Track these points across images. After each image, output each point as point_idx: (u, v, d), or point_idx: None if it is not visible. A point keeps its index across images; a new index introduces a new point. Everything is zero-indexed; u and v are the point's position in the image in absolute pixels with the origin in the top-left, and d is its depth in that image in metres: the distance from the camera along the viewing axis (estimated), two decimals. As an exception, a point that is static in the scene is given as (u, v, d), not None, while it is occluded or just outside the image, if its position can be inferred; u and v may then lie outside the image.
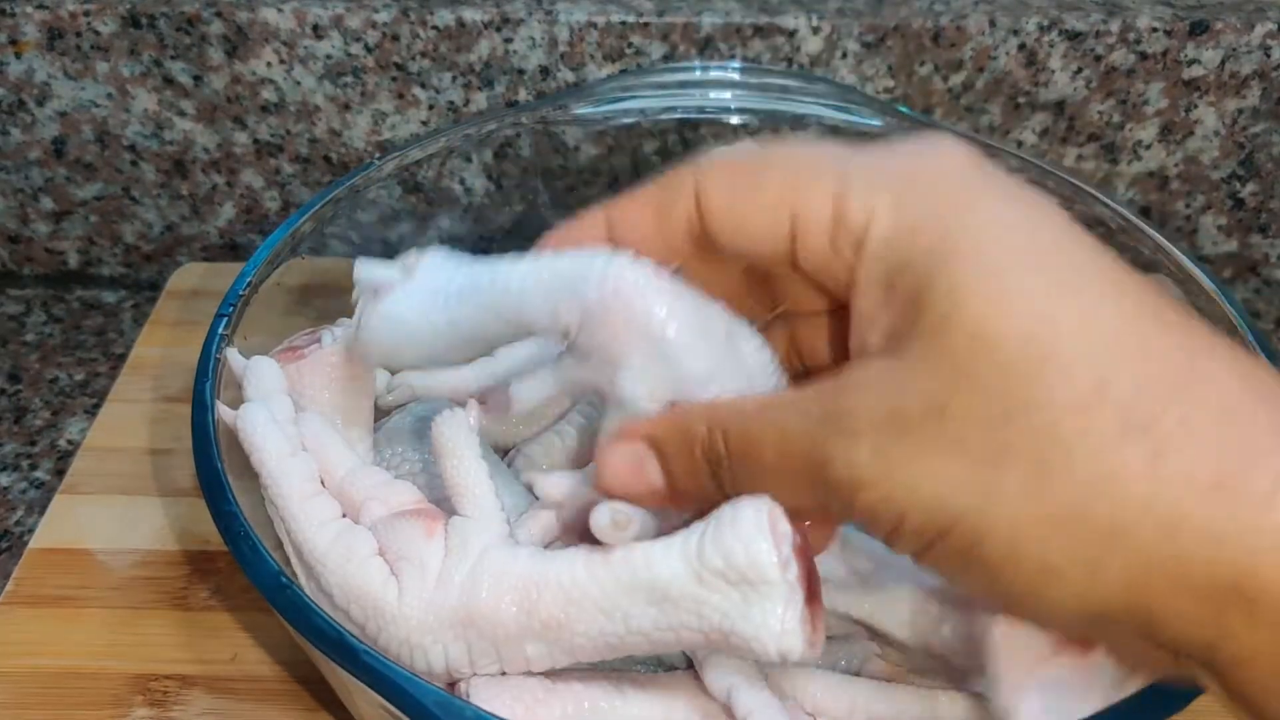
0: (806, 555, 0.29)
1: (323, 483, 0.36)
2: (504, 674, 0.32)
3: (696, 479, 0.28)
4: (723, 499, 0.28)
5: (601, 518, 0.30)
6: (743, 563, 0.28)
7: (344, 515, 0.35)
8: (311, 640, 0.31)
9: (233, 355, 0.39)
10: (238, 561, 0.33)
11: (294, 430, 0.37)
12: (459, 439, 0.34)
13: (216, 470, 0.36)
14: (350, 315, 0.41)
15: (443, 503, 0.38)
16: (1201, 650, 0.23)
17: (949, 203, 0.25)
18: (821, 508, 0.26)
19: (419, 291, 0.33)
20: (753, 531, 0.28)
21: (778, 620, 0.28)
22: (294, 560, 0.35)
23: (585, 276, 0.30)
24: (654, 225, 0.30)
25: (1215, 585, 0.22)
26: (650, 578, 0.29)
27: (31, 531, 0.48)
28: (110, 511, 0.49)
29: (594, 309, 0.29)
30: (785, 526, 0.28)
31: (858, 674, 0.37)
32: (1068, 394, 0.23)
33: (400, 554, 0.33)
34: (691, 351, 0.29)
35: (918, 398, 0.24)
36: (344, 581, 0.33)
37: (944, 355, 0.24)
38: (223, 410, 0.37)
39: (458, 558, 0.32)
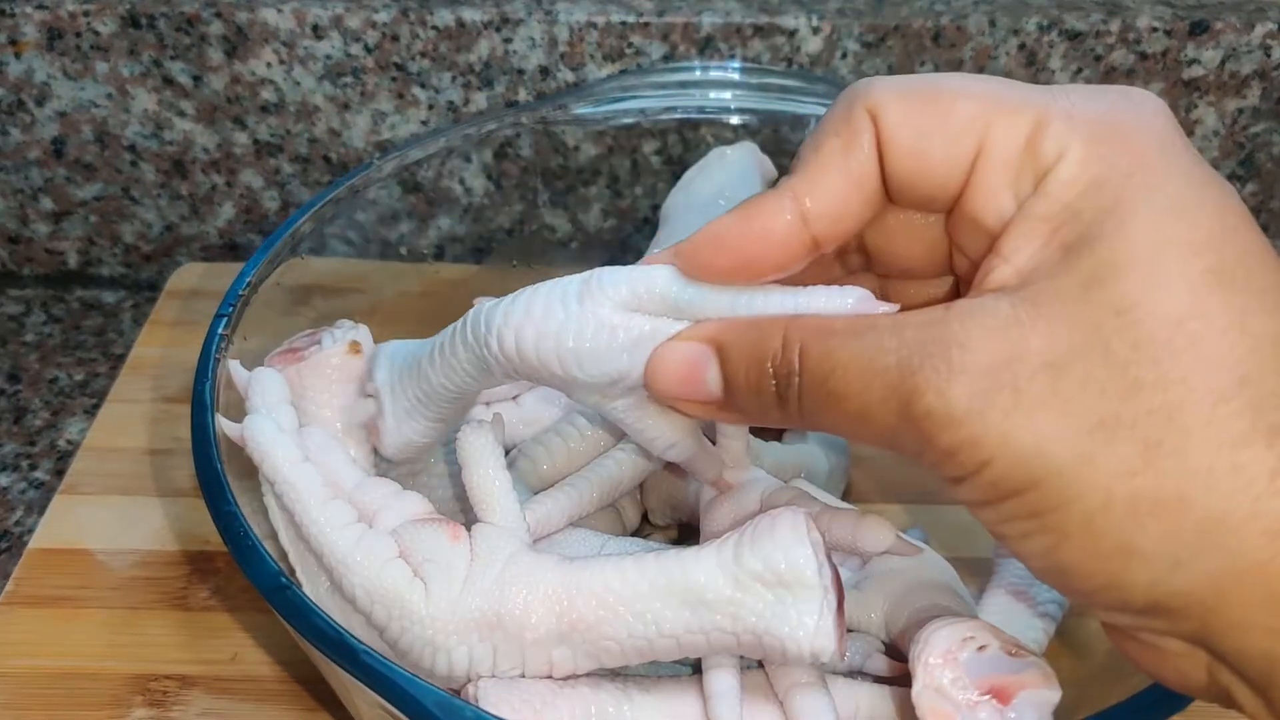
0: (833, 563, 0.30)
1: None
2: (516, 676, 0.33)
3: (759, 395, 0.27)
4: (779, 421, 0.27)
5: None
6: (782, 567, 0.29)
7: (359, 519, 0.35)
8: (311, 640, 0.31)
9: (235, 367, 0.39)
10: (237, 562, 0.33)
11: (300, 439, 0.37)
12: (484, 450, 0.34)
13: (216, 470, 0.36)
14: (350, 317, 0.41)
15: (441, 506, 0.38)
16: (1260, 666, 0.23)
17: (1140, 167, 0.24)
18: (890, 443, 0.25)
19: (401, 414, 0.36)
20: (792, 538, 0.29)
21: (814, 622, 0.29)
22: (303, 567, 0.35)
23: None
24: (843, 189, 0.27)
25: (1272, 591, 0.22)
26: (686, 582, 0.30)
27: (31, 532, 0.48)
28: (110, 512, 0.49)
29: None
30: (816, 534, 0.29)
31: (859, 673, 0.37)
32: (1203, 382, 0.22)
33: (426, 557, 0.33)
34: None
35: (1040, 349, 0.23)
36: (368, 583, 0.33)
37: (1082, 316, 0.23)
38: (226, 425, 0.37)
39: (485, 562, 0.33)
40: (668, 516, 0.45)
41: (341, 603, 0.34)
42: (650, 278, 0.29)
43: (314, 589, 0.35)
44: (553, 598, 0.32)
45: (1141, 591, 0.23)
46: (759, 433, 0.44)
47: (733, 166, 0.50)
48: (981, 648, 0.30)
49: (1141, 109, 0.25)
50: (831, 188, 0.27)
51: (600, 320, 0.29)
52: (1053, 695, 0.30)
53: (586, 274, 0.30)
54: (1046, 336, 0.23)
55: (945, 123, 0.26)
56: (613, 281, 0.30)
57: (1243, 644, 0.23)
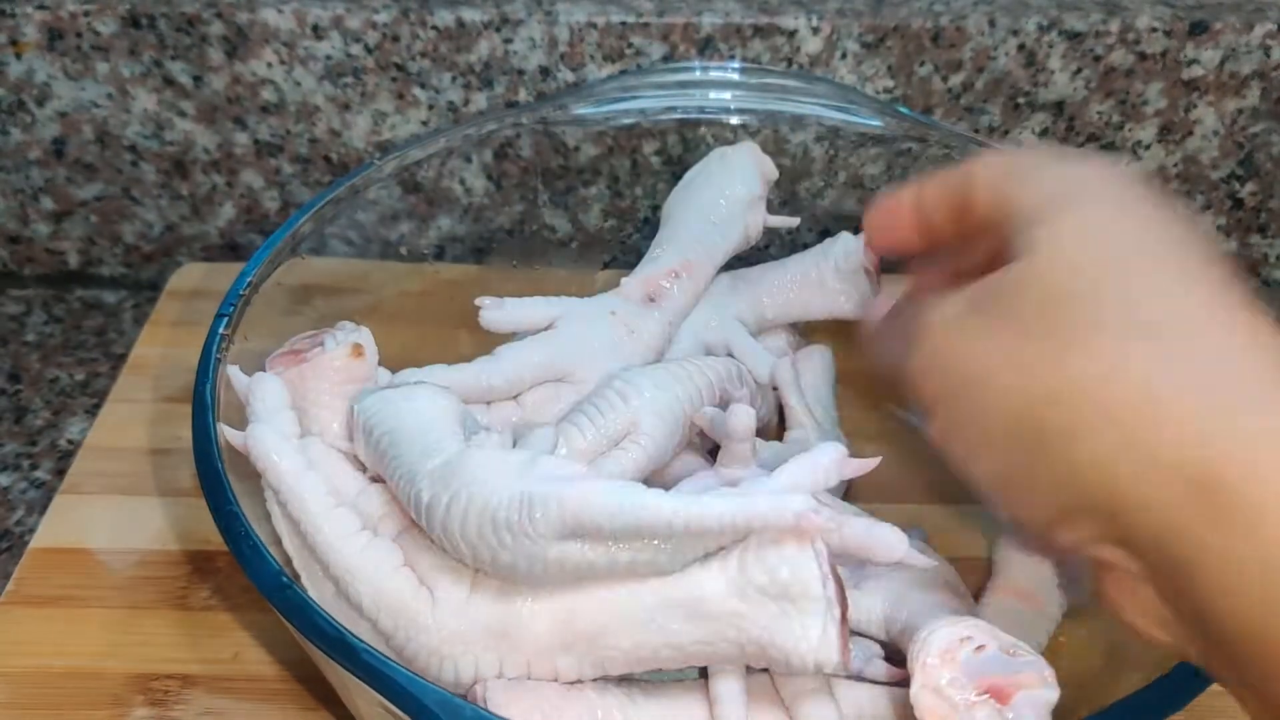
0: (838, 577, 0.30)
1: None
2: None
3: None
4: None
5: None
6: (787, 579, 0.29)
7: (364, 527, 0.35)
8: (312, 639, 0.31)
9: (234, 373, 0.39)
10: (238, 561, 0.33)
11: (302, 446, 0.37)
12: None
13: (217, 470, 0.36)
14: (351, 317, 0.41)
15: None
16: (1157, 544, 0.25)
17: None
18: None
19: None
20: (796, 549, 0.29)
21: (818, 634, 0.29)
22: (308, 574, 0.35)
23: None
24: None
25: (1185, 477, 0.25)
26: (691, 594, 0.30)
27: (32, 531, 0.48)
28: (111, 511, 0.49)
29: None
30: (821, 544, 0.30)
31: (860, 676, 0.37)
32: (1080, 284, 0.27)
33: (432, 565, 0.33)
34: None
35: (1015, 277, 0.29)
36: (375, 592, 0.33)
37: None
38: (229, 432, 0.37)
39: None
40: None
41: (348, 609, 0.34)
42: (580, 511, 0.30)
43: (320, 594, 0.35)
44: (557, 607, 0.32)
45: (1048, 484, 0.27)
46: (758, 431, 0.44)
47: (734, 167, 0.50)
48: (980, 648, 0.30)
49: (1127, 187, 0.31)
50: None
51: (537, 556, 0.30)
52: (1051, 695, 0.30)
53: (520, 499, 0.31)
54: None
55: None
56: (544, 514, 0.30)
57: (1139, 525, 0.26)
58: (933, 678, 0.30)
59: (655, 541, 0.30)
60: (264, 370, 0.39)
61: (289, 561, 0.35)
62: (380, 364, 0.41)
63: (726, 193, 0.49)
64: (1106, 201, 0.29)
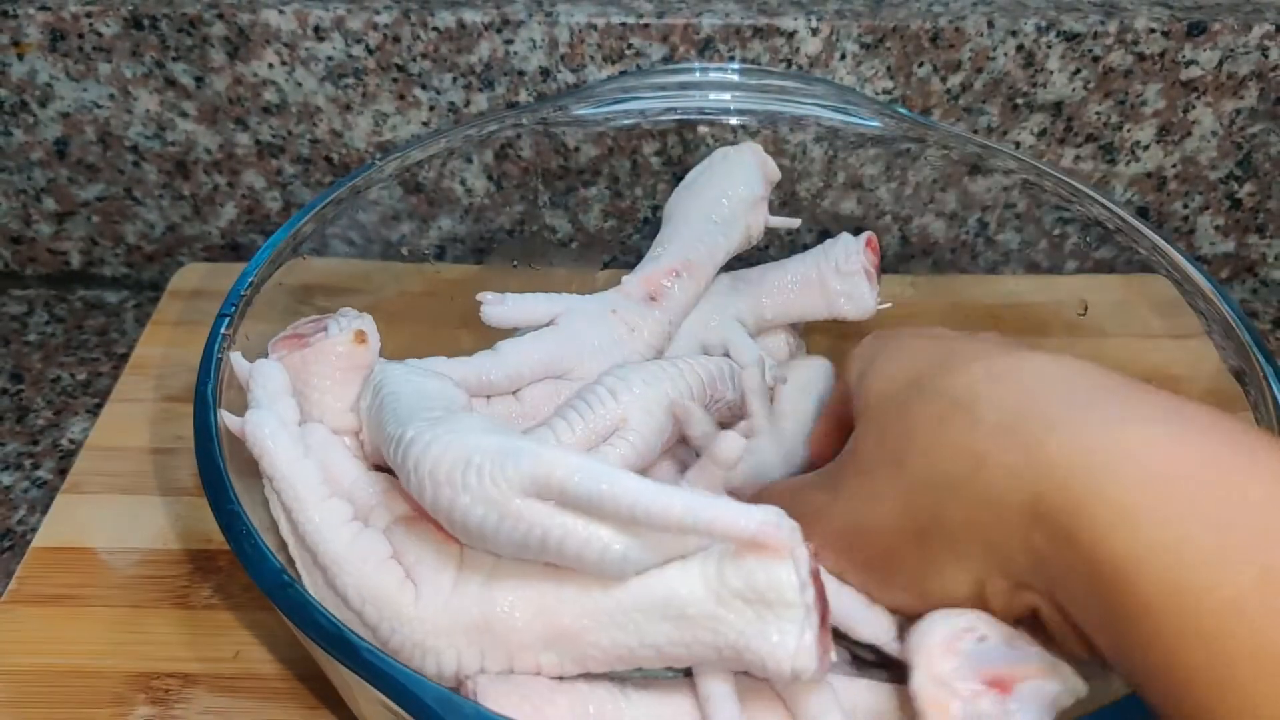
0: (819, 579, 0.30)
1: None
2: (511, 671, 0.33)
3: None
4: None
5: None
6: (764, 585, 0.29)
7: (355, 518, 0.35)
8: (313, 638, 0.31)
9: (236, 359, 0.39)
10: (240, 560, 0.33)
11: (300, 433, 0.37)
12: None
13: (218, 469, 0.36)
14: (354, 307, 0.41)
15: None
16: (1033, 577, 0.28)
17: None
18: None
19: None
20: (775, 555, 0.29)
21: (794, 640, 0.29)
22: (301, 561, 0.35)
23: None
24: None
25: (1021, 512, 0.27)
26: (668, 596, 0.30)
27: (34, 530, 0.48)
28: (112, 510, 0.49)
29: None
30: (803, 551, 0.29)
31: (861, 663, 0.37)
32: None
33: (418, 558, 0.33)
34: None
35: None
36: (360, 583, 0.33)
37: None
38: (228, 418, 0.37)
39: (474, 565, 0.33)
40: None
41: (335, 598, 0.34)
42: (552, 468, 0.29)
43: (312, 581, 0.35)
44: (539, 604, 0.32)
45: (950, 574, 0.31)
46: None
47: (735, 167, 0.50)
48: (982, 638, 0.30)
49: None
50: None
51: (496, 504, 0.30)
52: (1053, 686, 0.30)
53: (498, 449, 0.31)
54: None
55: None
56: (516, 466, 0.30)
57: (1011, 563, 0.29)
58: (936, 667, 0.30)
59: (614, 527, 0.29)
60: (266, 354, 0.39)
61: (283, 547, 0.36)
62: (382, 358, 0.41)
63: (729, 193, 0.49)
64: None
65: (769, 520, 0.28)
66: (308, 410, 0.38)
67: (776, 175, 0.51)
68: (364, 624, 0.33)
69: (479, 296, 0.45)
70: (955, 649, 0.30)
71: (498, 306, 0.45)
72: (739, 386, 0.44)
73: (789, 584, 0.29)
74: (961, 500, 0.29)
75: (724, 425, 0.44)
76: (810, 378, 0.47)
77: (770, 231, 0.51)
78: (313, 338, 0.39)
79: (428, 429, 0.32)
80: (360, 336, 0.39)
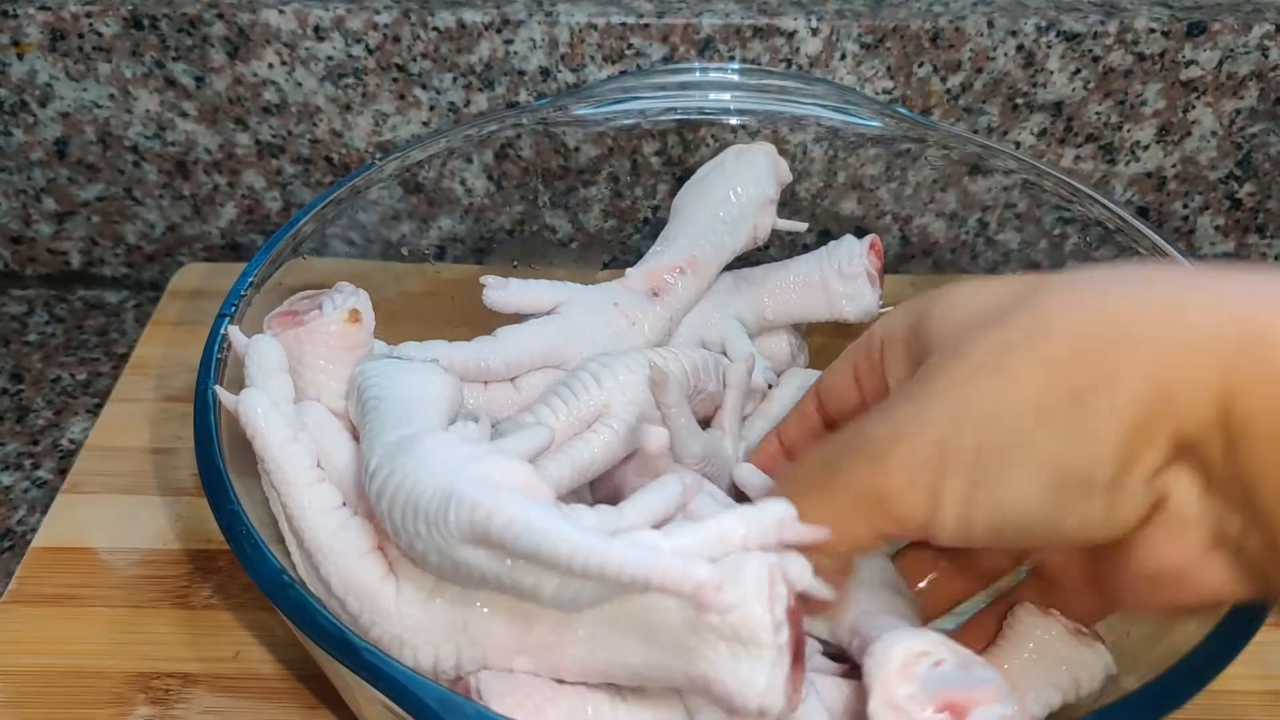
0: (797, 620, 0.29)
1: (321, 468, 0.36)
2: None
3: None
4: None
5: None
6: (738, 622, 0.28)
7: (344, 504, 0.35)
8: (313, 638, 0.31)
9: (234, 333, 0.39)
10: (239, 560, 0.33)
11: (294, 413, 0.37)
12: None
13: (218, 469, 0.36)
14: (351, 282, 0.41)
15: None
16: (1213, 423, 0.25)
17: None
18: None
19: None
20: (752, 593, 0.28)
21: (764, 679, 0.28)
22: (289, 542, 0.35)
23: None
24: (854, 388, 0.37)
25: (1228, 339, 0.25)
26: (643, 618, 0.30)
27: (34, 530, 0.48)
28: (112, 510, 0.49)
29: None
30: (783, 588, 0.28)
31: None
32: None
33: (400, 553, 0.33)
34: None
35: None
36: (343, 573, 0.33)
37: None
38: (223, 395, 0.37)
39: None
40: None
41: (319, 584, 0.34)
42: (490, 519, 0.28)
43: (300, 563, 0.35)
44: (515, 611, 0.32)
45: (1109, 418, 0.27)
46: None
47: (747, 167, 0.50)
48: (937, 663, 0.30)
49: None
50: (847, 393, 0.37)
51: (445, 554, 0.30)
52: (1006, 711, 0.30)
53: (443, 494, 0.30)
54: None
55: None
56: (456, 516, 0.29)
57: (1192, 407, 0.26)
58: (892, 693, 0.30)
59: (555, 574, 0.29)
60: (263, 330, 0.39)
61: (281, 540, 0.36)
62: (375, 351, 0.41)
63: (738, 191, 0.49)
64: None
65: (708, 581, 0.27)
66: (303, 388, 0.38)
67: (788, 177, 0.51)
68: (346, 612, 0.33)
69: (482, 279, 0.45)
70: (911, 674, 0.30)
71: (500, 291, 0.45)
72: (725, 381, 0.44)
73: (762, 624, 0.28)
74: (1144, 351, 0.26)
75: (705, 419, 0.44)
76: (803, 387, 0.46)
77: (772, 232, 0.51)
78: (307, 315, 0.38)
79: (387, 460, 0.32)
80: (354, 315, 0.38)
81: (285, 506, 0.34)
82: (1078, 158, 0.61)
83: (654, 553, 0.27)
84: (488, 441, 0.35)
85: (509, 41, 0.57)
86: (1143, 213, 0.63)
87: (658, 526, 0.31)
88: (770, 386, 0.47)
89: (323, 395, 0.38)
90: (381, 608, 0.33)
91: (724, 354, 0.48)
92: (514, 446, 0.35)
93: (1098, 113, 0.59)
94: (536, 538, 0.27)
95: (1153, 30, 0.57)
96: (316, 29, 0.57)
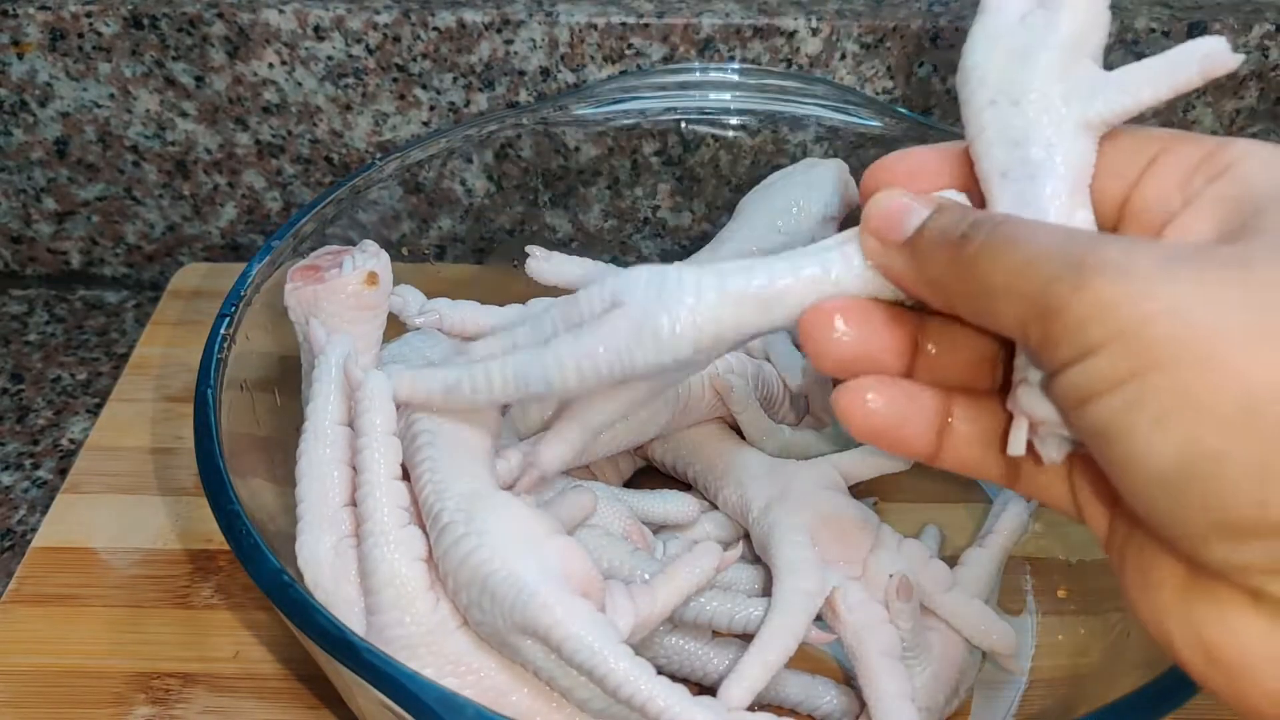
0: None
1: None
2: None
3: (945, 243, 0.27)
4: (941, 274, 0.26)
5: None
6: None
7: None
8: (313, 638, 0.31)
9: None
10: (239, 560, 0.33)
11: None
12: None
13: (218, 469, 0.36)
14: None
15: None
16: None
17: None
18: (1026, 300, 0.24)
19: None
20: None
21: None
22: (310, 514, 0.35)
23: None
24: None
25: None
26: (645, 710, 0.31)
27: (34, 530, 0.48)
28: (112, 510, 0.49)
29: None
30: None
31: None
32: None
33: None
34: None
35: (1232, 252, 0.22)
36: (395, 567, 0.33)
37: (1273, 241, 0.22)
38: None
39: None
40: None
41: (341, 566, 0.34)
42: (550, 629, 0.31)
43: (314, 541, 0.35)
44: (539, 689, 0.33)
45: (1252, 513, 0.20)
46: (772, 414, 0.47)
47: (815, 180, 0.50)
48: None
49: None
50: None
51: (498, 632, 0.33)
52: None
53: (511, 583, 0.32)
54: (1239, 246, 0.22)
55: (1134, 132, 0.27)
56: (516, 607, 0.32)
57: None
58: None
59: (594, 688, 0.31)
60: (286, 280, 0.39)
61: (273, 521, 0.36)
62: (379, 367, 0.41)
63: (801, 204, 0.49)
64: None
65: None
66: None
67: (856, 199, 0.50)
68: (369, 598, 0.34)
69: (528, 249, 0.46)
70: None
71: (543, 263, 0.46)
72: (770, 385, 0.45)
73: None
74: None
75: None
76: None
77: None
78: (328, 273, 0.39)
79: (462, 518, 0.34)
80: (372, 278, 0.39)
81: (367, 484, 0.35)
82: (1078, 158, 0.61)
83: (693, 704, 0.30)
84: (546, 514, 0.36)
85: (509, 41, 0.57)
86: (1143, 213, 0.63)
87: (692, 598, 0.36)
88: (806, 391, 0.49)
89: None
90: (415, 611, 0.33)
91: (768, 359, 0.48)
92: (566, 514, 0.38)
93: (1098, 113, 0.59)
94: (593, 659, 0.30)
95: (1153, 30, 0.57)
96: (316, 29, 0.57)
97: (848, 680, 0.41)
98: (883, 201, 0.29)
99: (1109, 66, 0.27)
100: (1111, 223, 0.27)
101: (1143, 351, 0.22)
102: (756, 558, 0.43)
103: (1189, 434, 0.21)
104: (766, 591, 0.40)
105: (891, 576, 0.39)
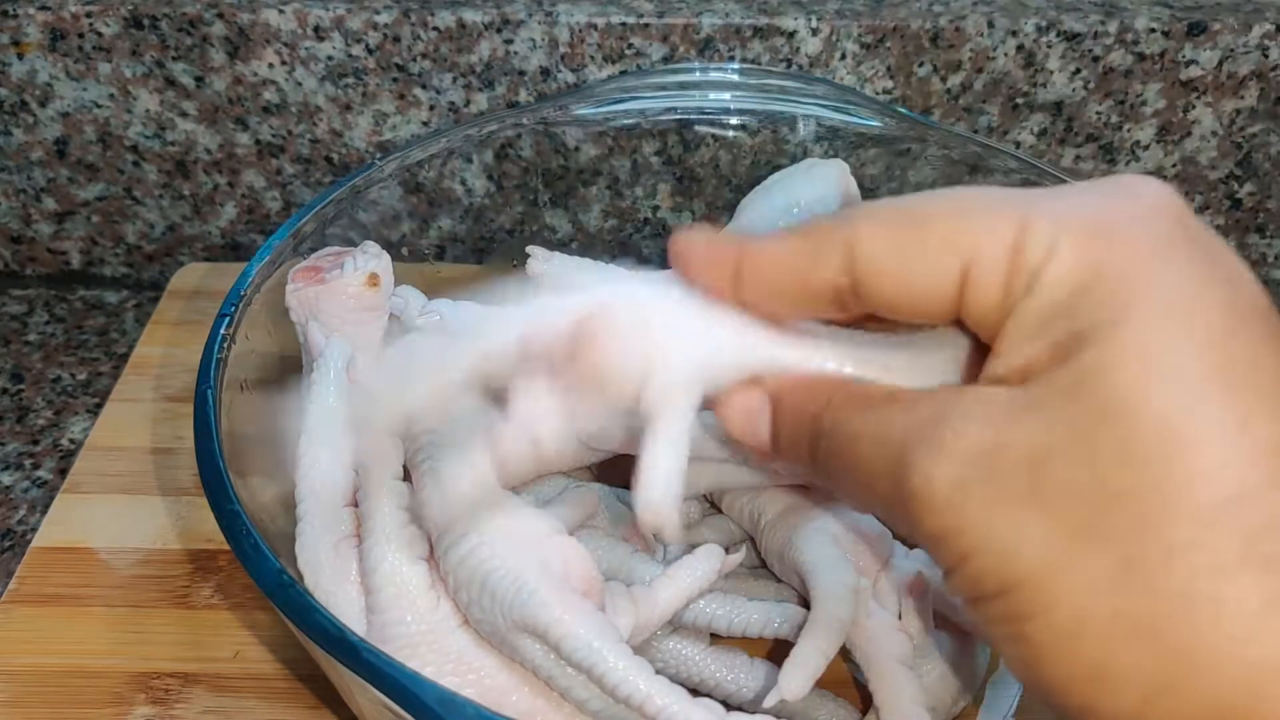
0: None
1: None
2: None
3: (795, 449, 0.27)
4: (812, 475, 0.28)
5: None
6: None
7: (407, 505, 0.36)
8: (313, 638, 0.31)
9: (314, 330, 0.39)
10: (239, 560, 0.33)
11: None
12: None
13: (218, 469, 0.36)
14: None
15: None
16: None
17: (1135, 265, 0.22)
18: (891, 520, 0.25)
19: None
20: None
21: None
22: (309, 517, 0.35)
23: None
24: (792, 275, 0.26)
25: None
26: (646, 711, 0.31)
27: (34, 530, 0.48)
28: (112, 510, 0.49)
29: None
30: None
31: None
32: (1190, 497, 0.20)
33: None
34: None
35: (1026, 442, 0.22)
36: (395, 566, 0.34)
37: (1070, 414, 0.22)
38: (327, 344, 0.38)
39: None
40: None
41: (340, 563, 0.34)
42: (549, 628, 0.31)
43: (314, 541, 0.35)
44: (538, 689, 0.33)
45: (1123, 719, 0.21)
46: None
47: (817, 181, 0.50)
48: None
49: (1139, 202, 0.24)
50: (773, 287, 0.27)
51: (498, 630, 0.33)
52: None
53: (512, 582, 0.32)
54: (1031, 431, 0.22)
55: (922, 238, 0.24)
56: (518, 606, 0.32)
57: None
58: None
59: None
60: (287, 281, 0.40)
61: (273, 521, 0.36)
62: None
63: (802, 204, 0.49)
64: (1193, 287, 0.22)
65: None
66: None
67: (857, 198, 0.50)
68: (370, 597, 0.34)
69: (529, 249, 0.46)
70: None
71: (545, 264, 0.46)
72: None
73: None
74: (1199, 688, 0.21)
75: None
76: None
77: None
78: (328, 274, 0.39)
79: (461, 523, 0.34)
80: (373, 280, 0.39)
81: (369, 483, 0.35)
82: (1078, 158, 0.61)
83: (695, 706, 0.30)
84: (548, 513, 0.36)
85: (509, 41, 0.57)
86: (1143, 212, 0.63)
87: (693, 600, 0.37)
88: None
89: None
90: (419, 611, 0.33)
91: None
92: (568, 514, 0.38)
93: (1098, 112, 0.59)
94: (592, 658, 0.30)
95: (1153, 30, 0.57)
96: (316, 29, 0.57)
97: (857, 684, 0.41)
98: (731, 408, 0.29)
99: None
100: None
101: (976, 582, 0.23)
102: (753, 566, 0.43)
103: (1028, 661, 0.23)
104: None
105: (904, 574, 0.39)
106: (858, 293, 0.25)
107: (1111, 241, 0.23)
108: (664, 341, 0.27)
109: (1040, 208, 0.24)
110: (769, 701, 0.34)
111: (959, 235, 0.24)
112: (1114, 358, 0.21)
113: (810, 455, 0.27)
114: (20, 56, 0.58)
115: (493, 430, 0.37)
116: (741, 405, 0.29)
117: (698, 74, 0.54)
